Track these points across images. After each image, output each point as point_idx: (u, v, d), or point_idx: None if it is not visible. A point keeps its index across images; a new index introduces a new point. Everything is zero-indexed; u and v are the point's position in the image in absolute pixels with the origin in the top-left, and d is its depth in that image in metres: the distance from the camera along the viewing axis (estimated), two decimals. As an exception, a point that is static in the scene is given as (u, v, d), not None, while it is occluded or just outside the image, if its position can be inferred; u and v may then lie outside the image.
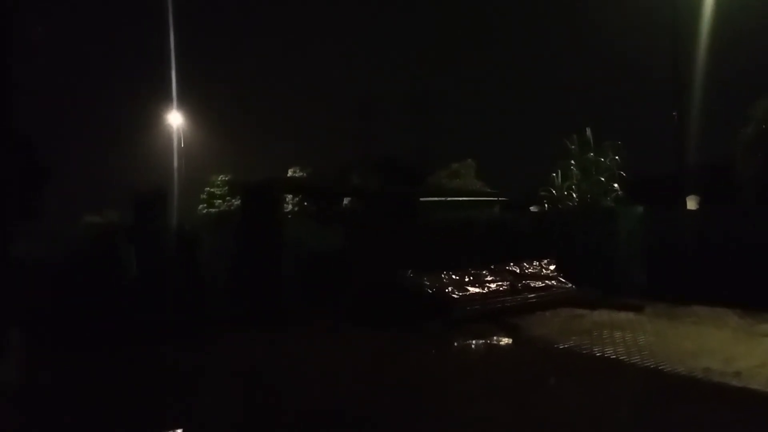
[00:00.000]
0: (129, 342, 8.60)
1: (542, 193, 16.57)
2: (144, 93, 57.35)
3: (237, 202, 24.29)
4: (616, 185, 15.46)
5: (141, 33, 61.94)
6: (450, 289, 9.73)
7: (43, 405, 6.01)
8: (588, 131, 15.83)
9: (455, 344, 8.42)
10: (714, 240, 10.29)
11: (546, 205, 16.43)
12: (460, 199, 19.56)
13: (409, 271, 10.05)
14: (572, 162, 15.97)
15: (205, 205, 31.44)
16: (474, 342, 8.43)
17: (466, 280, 10.12)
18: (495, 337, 8.53)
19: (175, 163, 25.69)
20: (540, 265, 11.27)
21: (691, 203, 14.88)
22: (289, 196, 26.29)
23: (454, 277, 10.10)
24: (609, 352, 7.09)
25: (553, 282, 10.90)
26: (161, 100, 27.66)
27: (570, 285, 10.89)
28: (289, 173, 29.33)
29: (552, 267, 11.29)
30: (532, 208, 17.14)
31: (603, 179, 15.50)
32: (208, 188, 31.84)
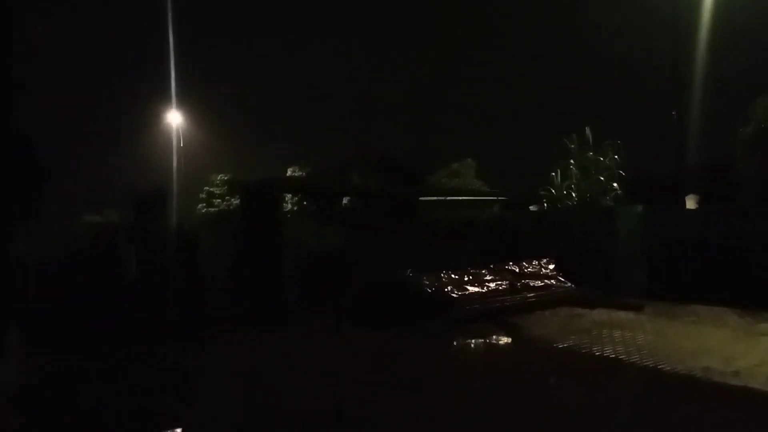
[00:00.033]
0: (129, 342, 8.60)
1: (542, 193, 16.55)
2: (144, 93, 57.37)
3: (236, 201, 24.31)
4: (615, 185, 15.43)
5: (141, 33, 61.92)
6: (449, 288, 9.74)
7: (43, 405, 6.01)
8: (587, 131, 15.82)
9: (455, 344, 8.43)
10: (714, 239, 10.29)
11: (545, 205, 16.41)
12: (460, 198, 19.59)
13: (409, 270, 10.06)
14: (572, 161, 15.96)
15: (204, 204, 31.43)
16: (474, 341, 8.44)
17: (466, 279, 10.13)
18: (494, 337, 8.54)
19: (175, 163, 25.73)
20: (539, 264, 11.28)
21: (690, 203, 14.90)
22: (289, 196, 26.27)
23: (453, 276, 10.10)
24: (608, 351, 7.10)
25: (552, 281, 10.91)
26: (161, 99, 27.71)
27: (569, 284, 10.89)
28: (289, 172, 29.31)
29: (551, 266, 11.30)
30: (532, 208, 17.12)
31: (602, 179, 15.48)
32: (207, 188, 31.83)
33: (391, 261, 11.71)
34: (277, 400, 5.91)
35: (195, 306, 10.73)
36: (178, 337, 9.10)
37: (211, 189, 31.68)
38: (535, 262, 11.27)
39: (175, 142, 26.35)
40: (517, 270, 10.92)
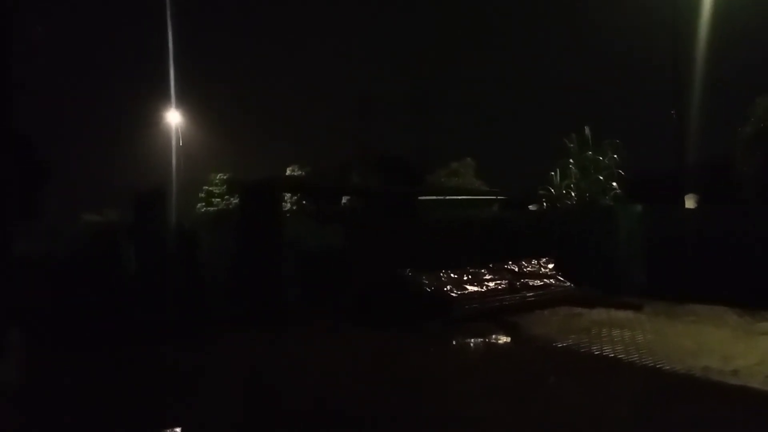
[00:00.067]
0: (129, 342, 8.61)
1: (541, 192, 16.55)
2: (143, 92, 57.32)
3: (236, 200, 24.30)
4: (615, 184, 15.43)
5: (140, 33, 61.80)
6: (449, 287, 9.75)
7: (43, 405, 6.02)
8: (587, 130, 15.82)
9: (454, 343, 8.44)
10: (713, 239, 10.30)
11: (545, 204, 16.41)
12: (460, 198, 19.60)
13: (408, 270, 10.07)
14: (571, 161, 15.96)
15: (203, 203, 31.43)
16: (473, 341, 8.45)
17: (465, 278, 10.14)
18: (494, 336, 8.55)
19: (174, 162, 25.74)
20: (539, 263, 11.29)
21: (690, 202, 14.89)
22: (288, 195, 26.27)
23: (453, 275, 10.11)
24: (608, 350, 7.11)
25: (551, 281, 10.92)
26: (160, 99, 27.69)
27: (569, 284, 10.90)
28: (288, 172, 29.33)
29: (551, 266, 11.31)
30: (531, 207, 17.14)
31: (602, 178, 15.49)
32: (206, 187, 31.83)
33: (391, 260, 11.71)
34: (277, 400, 5.92)
35: (195, 306, 10.73)
36: (178, 336, 9.10)
37: (211, 188, 31.70)
38: (534, 262, 11.28)
39: (174, 142, 26.38)
40: (517, 269, 10.94)
